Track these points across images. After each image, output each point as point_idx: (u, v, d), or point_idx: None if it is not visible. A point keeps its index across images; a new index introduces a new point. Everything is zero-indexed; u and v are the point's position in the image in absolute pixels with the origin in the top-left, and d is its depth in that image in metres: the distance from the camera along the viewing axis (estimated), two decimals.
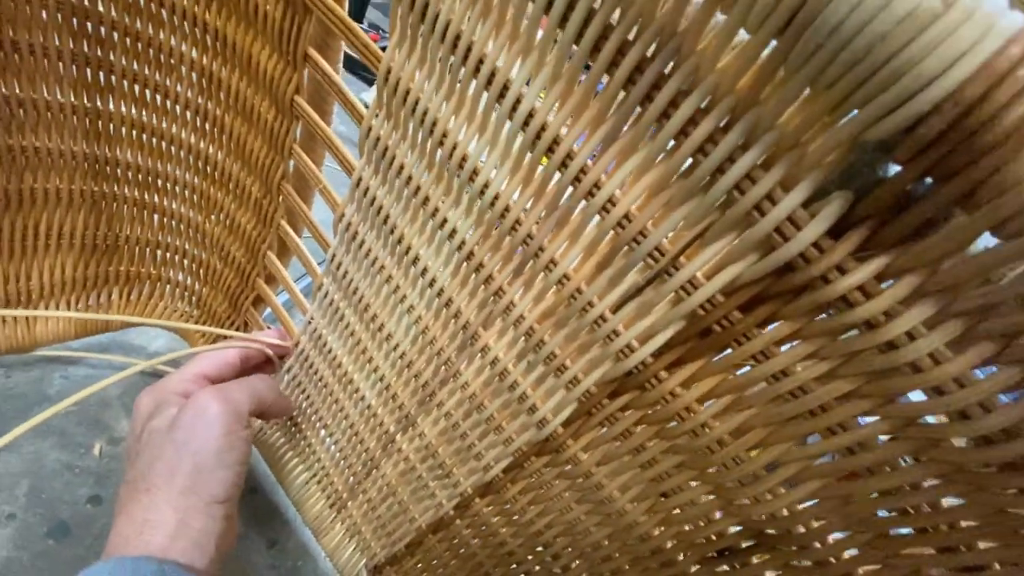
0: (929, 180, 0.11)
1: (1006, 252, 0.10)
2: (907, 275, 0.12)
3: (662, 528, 0.22)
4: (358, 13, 1.66)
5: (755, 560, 0.20)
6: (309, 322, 0.35)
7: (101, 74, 0.33)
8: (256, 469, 0.45)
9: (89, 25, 0.31)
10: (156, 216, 0.40)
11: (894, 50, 0.10)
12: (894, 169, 0.12)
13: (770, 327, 0.15)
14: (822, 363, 0.15)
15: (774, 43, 0.12)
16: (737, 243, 0.15)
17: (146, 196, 0.38)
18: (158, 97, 0.34)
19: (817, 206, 0.13)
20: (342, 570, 0.40)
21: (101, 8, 0.30)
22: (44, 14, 0.30)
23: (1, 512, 0.36)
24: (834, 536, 0.17)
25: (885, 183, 0.12)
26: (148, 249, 0.42)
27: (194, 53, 0.31)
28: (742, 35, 0.12)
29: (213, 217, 0.38)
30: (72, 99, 0.33)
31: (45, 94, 0.33)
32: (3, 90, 0.32)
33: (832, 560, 0.17)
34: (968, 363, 0.12)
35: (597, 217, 0.18)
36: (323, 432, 0.38)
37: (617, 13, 0.15)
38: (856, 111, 0.11)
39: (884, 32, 0.10)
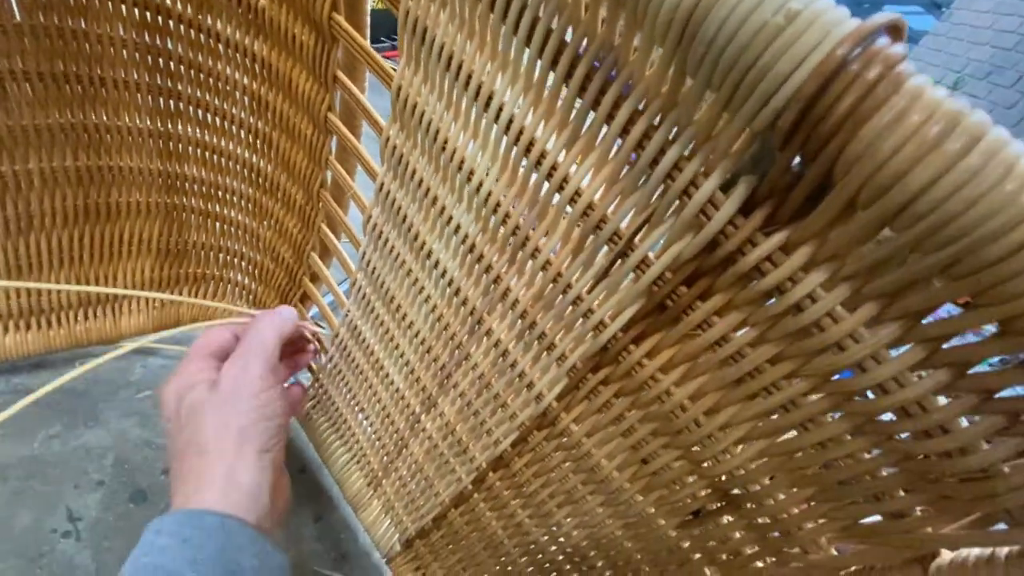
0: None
1: (864, 220, 0.12)
2: (803, 246, 0.14)
3: (644, 494, 0.24)
4: None
5: (725, 520, 0.22)
6: (346, 314, 0.39)
7: (171, 102, 0.38)
8: (304, 452, 0.50)
9: (161, 61, 0.36)
10: (218, 224, 0.45)
11: (753, 58, 0.12)
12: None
13: (710, 301, 0.17)
14: (752, 329, 0.16)
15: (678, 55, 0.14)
16: (675, 225, 0.17)
17: (209, 206, 0.44)
18: (217, 119, 0.39)
19: (732, 190, 0.15)
20: (379, 543, 0.44)
21: (170, 46, 0.36)
22: (125, 53, 0.36)
23: (92, 479, 0.42)
24: (785, 494, 0.19)
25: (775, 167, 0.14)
26: (212, 253, 0.47)
27: (245, 80, 0.36)
28: (659, 51, 0.15)
29: (265, 223, 0.43)
30: (148, 124, 0.39)
31: (127, 121, 0.38)
32: (93, 119, 0.38)
33: (785, 516, 0.19)
34: (859, 320, 0.14)
35: (569, 208, 0.21)
36: (360, 415, 0.42)
37: (569, 32, 0.18)
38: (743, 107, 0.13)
39: (745, 43, 0.12)
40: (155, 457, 0.45)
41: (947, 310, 0.13)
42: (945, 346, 0.13)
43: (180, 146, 0.41)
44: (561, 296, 0.23)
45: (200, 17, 0.34)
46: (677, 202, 0.17)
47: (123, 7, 0.33)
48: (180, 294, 0.48)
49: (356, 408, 0.42)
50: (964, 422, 0.13)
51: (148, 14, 0.34)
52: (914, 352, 0.13)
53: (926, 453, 0.14)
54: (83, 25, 0.34)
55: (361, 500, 0.45)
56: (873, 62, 0.11)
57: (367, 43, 0.28)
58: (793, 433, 0.17)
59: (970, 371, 0.13)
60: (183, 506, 0.27)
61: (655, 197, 0.17)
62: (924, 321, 0.13)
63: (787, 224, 0.14)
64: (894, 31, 0.11)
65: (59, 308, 0.43)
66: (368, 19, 0.30)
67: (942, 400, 0.13)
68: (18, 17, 0.32)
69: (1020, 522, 0.13)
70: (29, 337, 0.42)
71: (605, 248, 0.20)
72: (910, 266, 0.12)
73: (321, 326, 0.51)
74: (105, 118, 0.38)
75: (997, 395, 0.12)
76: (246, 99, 0.37)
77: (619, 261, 0.20)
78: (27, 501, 0.39)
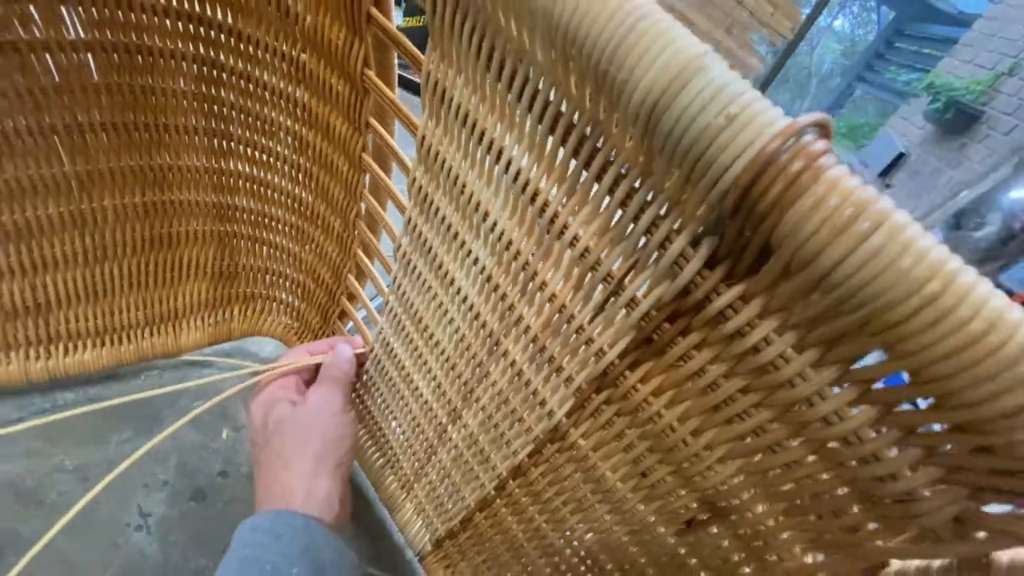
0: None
1: (800, 282, 0.14)
2: (756, 298, 0.16)
3: (645, 503, 0.27)
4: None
5: (714, 530, 0.24)
6: (380, 332, 0.42)
7: (224, 142, 0.43)
8: None
9: (216, 108, 0.41)
10: (265, 248, 0.49)
11: (701, 151, 0.14)
12: None
13: (688, 337, 0.20)
14: (722, 364, 0.19)
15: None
16: (656, 272, 0.19)
17: (258, 232, 0.48)
18: (265, 156, 0.43)
19: (699, 247, 0.17)
20: (411, 542, 0.47)
21: (224, 95, 0.40)
22: (185, 103, 0.40)
23: (159, 479, 0.46)
24: (762, 507, 0.21)
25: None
26: (260, 274, 0.52)
27: (289, 122, 0.40)
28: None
29: (307, 248, 0.47)
30: (204, 163, 0.43)
31: (186, 160, 0.43)
32: (158, 160, 0.42)
33: (762, 527, 0.21)
34: (805, 363, 0.16)
35: (569, 250, 0.23)
36: (393, 423, 0.46)
37: (564, 105, 0.20)
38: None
39: (694, 138, 0.14)
40: (211, 459, 0.49)
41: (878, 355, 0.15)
42: (874, 387, 0.15)
43: (232, 180, 0.45)
44: (566, 325, 0.26)
45: (250, 70, 0.38)
46: (656, 253, 0.19)
47: (184, 64, 0.38)
48: (232, 312, 0.53)
49: (389, 416, 0.46)
50: (893, 452, 0.15)
51: (206, 69, 0.38)
52: (850, 391, 0.15)
53: (866, 476, 0.16)
54: (150, 81, 0.38)
55: (395, 502, 0.48)
56: (798, 156, 0.13)
57: (395, 96, 0.32)
58: (764, 454, 0.20)
59: (896, 409, 0.15)
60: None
61: (639, 247, 0.20)
62: (856, 366, 0.15)
63: (743, 278, 0.17)
64: (821, 127, 0.14)
65: (128, 327, 0.48)
66: (396, 72, 0.33)
67: (873, 433, 0.15)
68: (95, 77, 0.37)
69: (942, 539, 0.15)
70: (103, 353, 0.48)
71: (601, 286, 0.23)
72: (836, 321, 0.14)
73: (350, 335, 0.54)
74: (168, 159, 0.42)
75: (917, 431, 0.14)
76: (290, 139, 0.41)
77: (612, 298, 0.22)
78: (105, 498, 0.43)
